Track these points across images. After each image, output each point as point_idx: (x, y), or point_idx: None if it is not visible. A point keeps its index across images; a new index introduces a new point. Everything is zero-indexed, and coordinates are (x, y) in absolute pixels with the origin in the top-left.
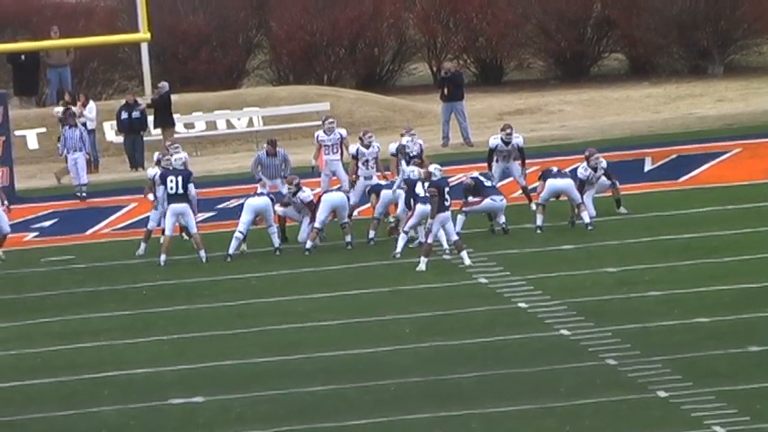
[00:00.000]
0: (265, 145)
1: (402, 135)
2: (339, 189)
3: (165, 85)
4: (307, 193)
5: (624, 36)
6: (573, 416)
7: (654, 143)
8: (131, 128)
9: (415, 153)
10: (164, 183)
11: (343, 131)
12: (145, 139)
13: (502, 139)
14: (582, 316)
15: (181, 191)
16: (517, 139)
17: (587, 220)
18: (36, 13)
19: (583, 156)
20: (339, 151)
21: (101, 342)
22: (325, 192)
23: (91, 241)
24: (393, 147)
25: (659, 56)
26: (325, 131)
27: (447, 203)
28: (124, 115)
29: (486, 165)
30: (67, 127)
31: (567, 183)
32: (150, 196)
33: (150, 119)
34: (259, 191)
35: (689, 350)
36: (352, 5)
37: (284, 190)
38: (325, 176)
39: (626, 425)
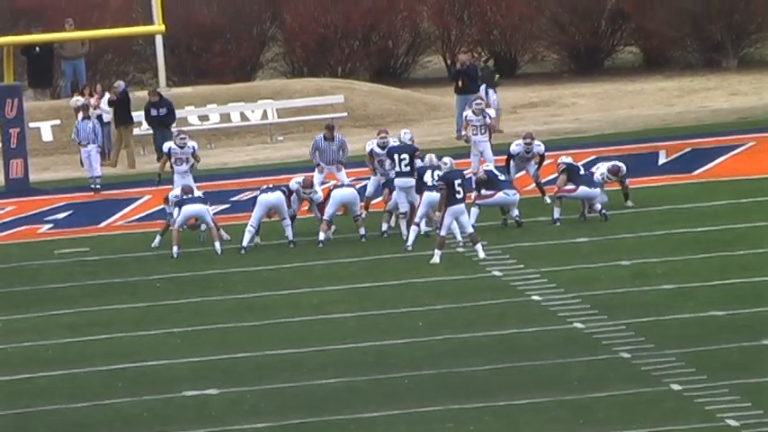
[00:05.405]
0: (324, 130)
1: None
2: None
3: (120, 84)
4: (319, 194)
5: (638, 29)
6: (586, 409)
7: (668, 136)
8: (160, 123)
9: None
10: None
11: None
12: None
13: (524, 148)
14: (595, 309)
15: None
16: (538, 148)
17: (599, 206)
18: (50, 4)
19: (595, 150)
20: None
21: (114, 334)
22: (334, 187)
23: (105, 233)
24: (369, 145)
25: (673, 49)
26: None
27: (459, 196)
28: (153, 112)
29: (504, 159)
30: (81, 119)
31: (596, 191)
32: (167, 166)
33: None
34: (316, 176)
35: (703, 343)
36: None
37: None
38: None
39: (639, 418)
